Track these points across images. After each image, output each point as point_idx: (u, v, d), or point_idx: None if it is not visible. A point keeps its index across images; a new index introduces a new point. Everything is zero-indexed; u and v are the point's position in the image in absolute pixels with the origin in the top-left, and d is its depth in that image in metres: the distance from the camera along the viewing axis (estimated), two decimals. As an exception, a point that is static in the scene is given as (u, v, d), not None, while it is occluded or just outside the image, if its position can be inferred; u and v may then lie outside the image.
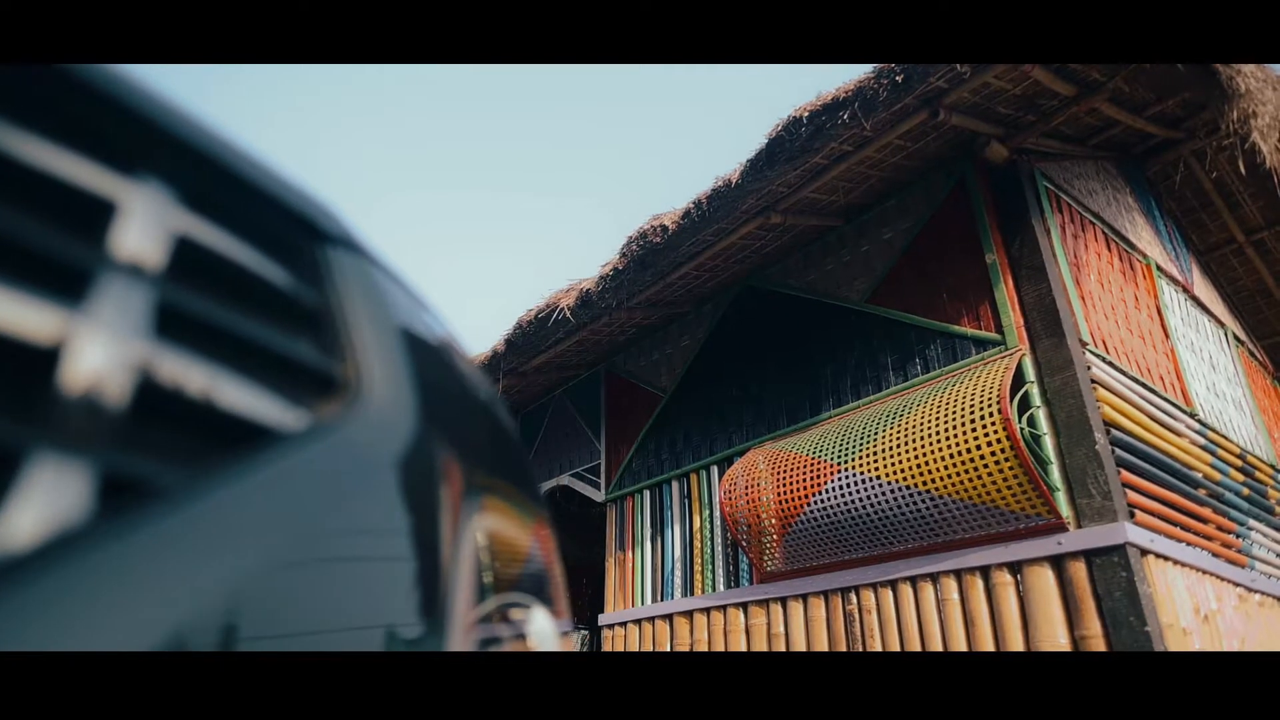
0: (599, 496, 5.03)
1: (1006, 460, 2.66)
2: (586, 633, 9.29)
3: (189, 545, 0.21)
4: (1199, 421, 3.70)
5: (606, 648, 4.46)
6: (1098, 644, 2.46)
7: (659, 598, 4.25)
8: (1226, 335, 4.84)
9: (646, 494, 4.62)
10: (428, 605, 0.29)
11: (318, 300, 0.30)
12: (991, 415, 2.72)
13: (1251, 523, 3.66)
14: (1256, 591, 3.38)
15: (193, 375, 0.24)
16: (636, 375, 5.09)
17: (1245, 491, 3.75)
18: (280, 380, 0.27)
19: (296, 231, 0.31)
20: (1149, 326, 3.77)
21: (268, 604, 0.22)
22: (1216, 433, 3.80)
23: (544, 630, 0.53)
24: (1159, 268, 4.19)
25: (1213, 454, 3.63)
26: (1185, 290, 4.46)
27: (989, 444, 2.69)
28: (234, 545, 0.21)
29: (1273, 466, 4.34)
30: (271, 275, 0.29)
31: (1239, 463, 3.86)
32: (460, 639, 0.32)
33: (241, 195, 0.29)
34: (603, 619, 4.54)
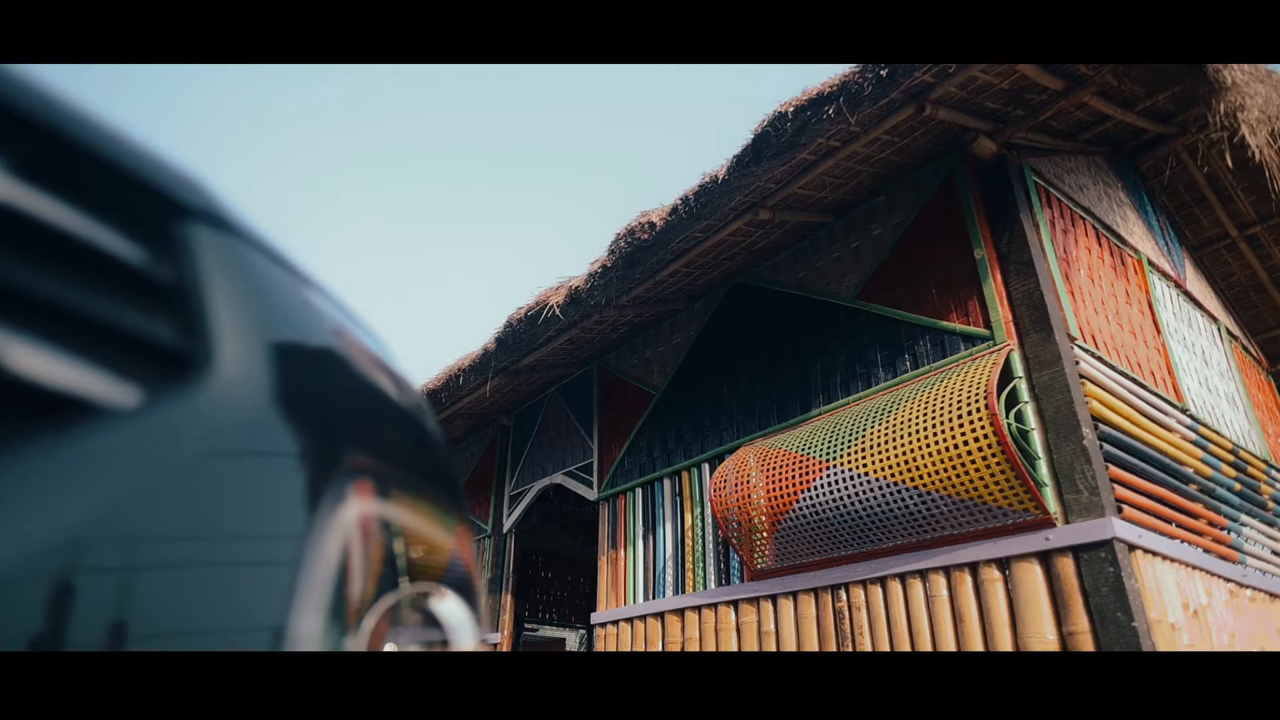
0: (591, 495, 5.02)
1: (994, 456, 2.65)
2: (584, 632, 9.28)
3: None
4: (1190, 416, 3.69)
5: (599, 646, 4.45)
6: (1085, 640, 2.45)
7: (651, 596, 4.24)
8: (1220, 330, 4.83)
9: (638, 492, 4.61)
10: (255, 593, 0.27)
11: (170, 275, 0.29)
12: (978, 411, 2.70)
13: (1243, 518, 3.65)
14: (1248, 587, 3.37)
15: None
16: (629, 373, 5.08)
17: (1237, 487, 3.74)
18: (115, 355, 0.26)
19: (152, 205, 0.30)
20: (1140, 321, 3.76)
21: (59, 586, 0.21)
22: (1208, 428, 3.79)
23: (460, 626, 0.52)
24: (1150, 263, 4.17)
25: (1204, 449, 3.62)
26: (1178, 285, 4.45)
27: (976, 440, 2.68)
28: (18, 521, 0.20)
29: (1266, 462, 4.33)
30: (115, 248, 0.27)
31: (1231, 458, 3.85)
32: (321, 627, 0.30)
33: (85, 166, 0.28)
34: (595, 617, 4.53)
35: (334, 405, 0.36)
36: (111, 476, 0.23)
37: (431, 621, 0.52)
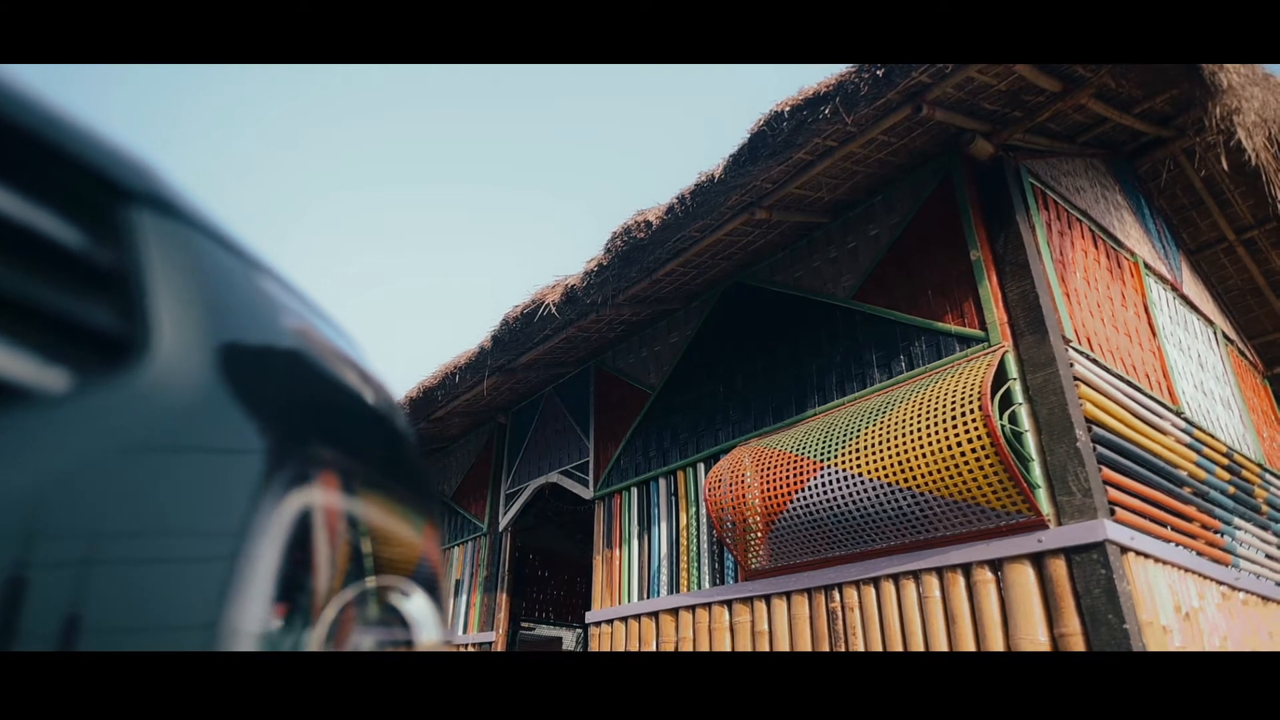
0: (587, 494, 5.02)
1: (987, 457, 2.65)
2: (581, 631, 9.28)
3: None
4: (1185, 419, 3.69)
5: (594, 645, 4.44)
6: (1076, 642, 2.45)
7: (645, 595, 4.24)
8: (1216, 334, 4.83)
9: (634, 491, 4.61)
10: (183, 590, 0.27)
11: (109, 259, 0.29)
12: (972, 412, 2.70)
13: (1237, 521, 3.65)
14: (1240, 589, 3.37)
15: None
16: (625, 372, 5.08)
17: (1231, 490, 3.74)
18: (45, 339, 0.25)
19: (92, 188, 0.30)
20: (1136, 324, 3.76)
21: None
22: (1203, 431, 3.79)
23: (425, 620, 0.51)
24: (1147, 265, 4.17)
25: (1198, 452, 3.62)
26: (1174, 288, 4.44)
27: (970, 441, 2.68)
28: None
29: (1260, 465, 4.33)
30: (50, 230, 0.27)
31: (1225, 461, 3.85)
32: (262, 623, 0.30)
33: (20, 147, 0.27)
34: (589, 616, 4.53)
35: (286, 397, 0.35)
36: (31, 464, 0.23)
37: (396, 618, 0.52)
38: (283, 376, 0.36)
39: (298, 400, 0.36)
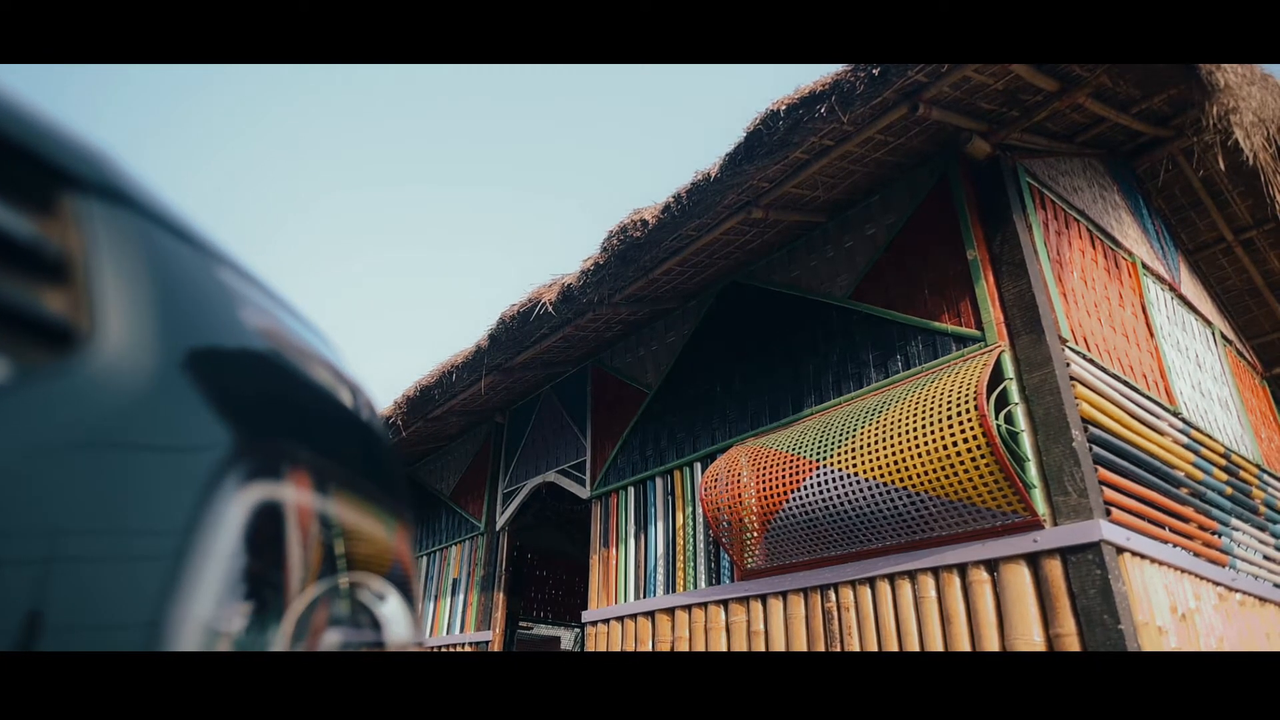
0: (584, 493, 5.01)
1: (983, 457, 2.64)
2: (579, 631, 9.27)
3: None
4: (1182, 420, 3.68)
5: (590, 645, 4.44)
6: (1072, 642, 2.44)
7: (642, 595, 4.23)
8: (1214, 334, 4.83)
9: (631, 490, 4.60)
10: (119, 588, 0.26)
11: (54, 248, 0.28)
12: (968, 412, 2.70)
13: (1234, 522, 3.64)
14: (1237, 591, 3.36)
15: None
16: (623, 372, 5.08)
17: (1228, 491, 3.73)
18: None
19: (38, 176, 0.29)
20: (1133, 324, 3.76)
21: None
22: (1200, 431, 3.78)
23: (396, 620, 0.51)
24: (1145, 265, 4.17)
25: (1196, 453, 3.61)
26: (1172, 288, 4.44)
27: (965, 441, 2.68)
28: None
29: (1258, 466, 4.32)
30: None
31: (1223, 462, 3.84)
32: (210, 622, 0.29)
33: None
34: (586, 615, 4.52)
35: (243, 391, 0.35)
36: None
37: (367, 617, 0.52)
38: (240, 370, 0.35)
39: (256, 394, 0.36)
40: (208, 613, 0.29)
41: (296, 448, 0.38)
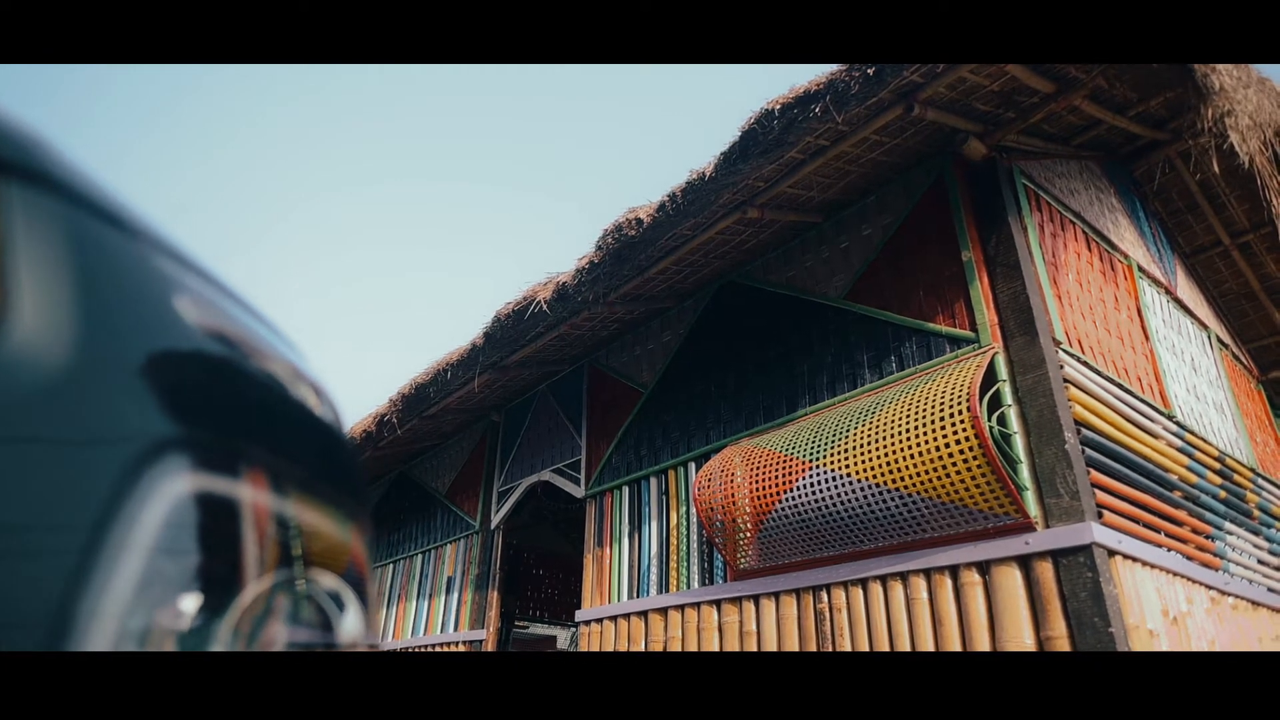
0: (579, 492, 5.01)
1: (975, 459, 2.63)
2: (575, 630, 9.27)
3: None
4: (1177, 423, 3.67)
5: (583, 644, 4.43)
6: (1062, 645, 2.44)
7: (635, 594, 4.22)
8: (1210, 338, 4.82)
9: (625, 490, 4.60)
10: (16, 586, 0.26)
11: None
12: (960, 413, 2.69)
13: (1227, 525, 3.64)
14: (1230, 594, 3.35)
15: None
16: (618, 371, 5.07)
17: (1222, 494, 3.73)
18: None
19: None
20: (1128, 327, 3.75)
21: None
22: (1195, 435, 3.78)
23: (349, 621, 0.50)
24: (1141, 269, 4.16)
25: (1190, 456, 3.61)
26: (1168, 292, 4.43)
27: (958, 442, 2.67)
28: None
29: (1252, 470, 4.32)
30: None
31: (1217, 465, 3.84)
32: (126, 619, 0.29)
33: None
34: (579, 615, 4.51)
35: (172, 382, 0.34)
36: None
37: (319, 616, 0.51)
38: (170, 361, 0.34)
39: (185, 385, 0.35)
40: (123, 610, 0.28)
41: (235, 442, 0.38)
